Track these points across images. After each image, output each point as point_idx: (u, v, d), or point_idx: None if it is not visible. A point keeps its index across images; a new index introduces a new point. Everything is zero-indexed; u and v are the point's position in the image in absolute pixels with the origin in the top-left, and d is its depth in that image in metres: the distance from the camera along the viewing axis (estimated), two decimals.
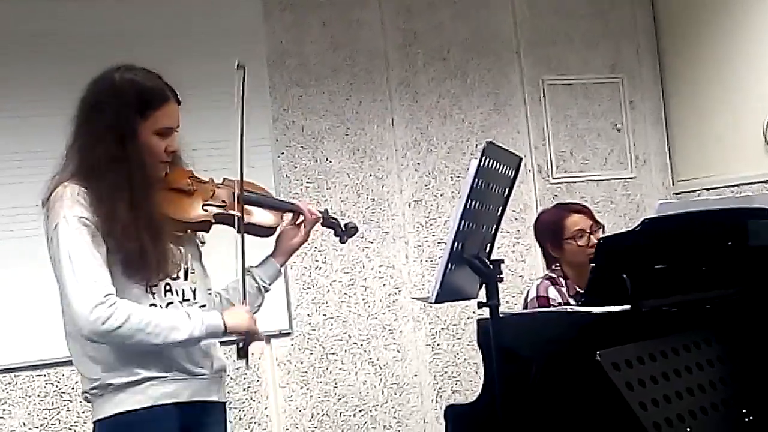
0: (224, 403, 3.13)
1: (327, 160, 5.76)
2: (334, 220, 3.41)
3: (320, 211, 3.36)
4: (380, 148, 5.89)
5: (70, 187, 2.83)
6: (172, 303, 2.93)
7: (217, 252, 3.14)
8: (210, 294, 3.15)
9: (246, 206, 3.10)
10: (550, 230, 4.37)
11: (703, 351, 3.03)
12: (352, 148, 5.83)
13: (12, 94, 5.06)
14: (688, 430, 2.78)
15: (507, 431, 2.90)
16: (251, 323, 2.99)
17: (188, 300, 2.98)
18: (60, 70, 5.00)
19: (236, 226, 3.05)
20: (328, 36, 5.81)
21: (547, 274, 4.36)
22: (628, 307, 3.04)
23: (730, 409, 2.96)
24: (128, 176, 2.84)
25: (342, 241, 3.48)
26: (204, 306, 3.03)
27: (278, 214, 3.25)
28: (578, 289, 4.22)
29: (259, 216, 3.18)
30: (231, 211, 3.05)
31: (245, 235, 3.06)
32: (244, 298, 3.07)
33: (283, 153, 5.64)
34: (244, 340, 2.99)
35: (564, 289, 4.25)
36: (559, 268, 4.34)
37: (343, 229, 3.43)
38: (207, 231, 3.09)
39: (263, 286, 3.24)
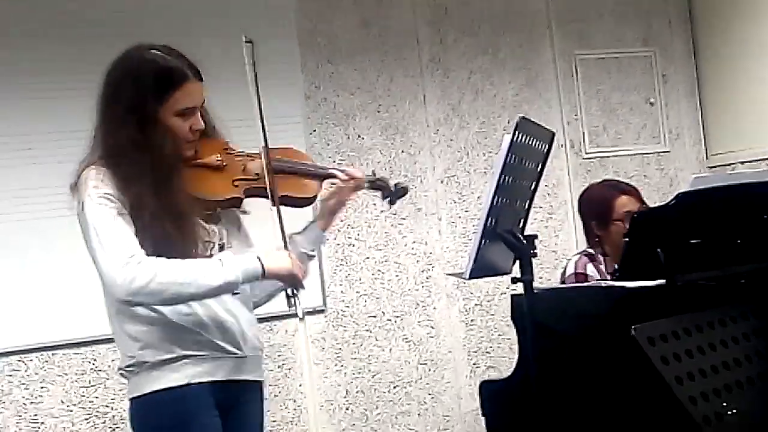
0: (261, 381, 3.13)
1: (359, 137, 5.77)
2: (381, 182, 3.30)
3: (367, 174, 3.28)
4: (412, 124, 5.89)
5: (95, 169, 2.85)
6: None
7: (261, 222, 3.11)
8: None
9: (281, 176, 3.04)
10: (597, 209, 4.28)
11: (738, 325, 3.02)
12: (384, 125, 5.82)
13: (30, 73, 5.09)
14: (724, 404, 2.77)
15: (541, 406, 2.90)
16: (294, 266, 2.91)
17: None
18: (81, 50, 5.03)
19: (270, 198, 3.00)
20: (358, 13, 5.80)
21: (585, 250, 4.30)
22: (663, 281, 3.04)
23: (767, 383, 2.95)
24: (149, 161, 2.83)
25: (391, 203, 3.32)
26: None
27: (317, 182, 3.16)
28: (617, 267, 4.18)
29: (295, 186, 3.10)
30: (263, 185, 2.99)
31: (283, 206, 3.00)
32: (285, 247, 2.98)
33: (315, 130, 5.64)
34: (293, 287, 2.92)
35: (602, 266, 4.19)
36: (599, 245, 4.27)
37: (392, 190, 3.30)
38: (238, 207, 3.05)
39: (305, 253, 3.19)
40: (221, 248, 3.00)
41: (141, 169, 2.82)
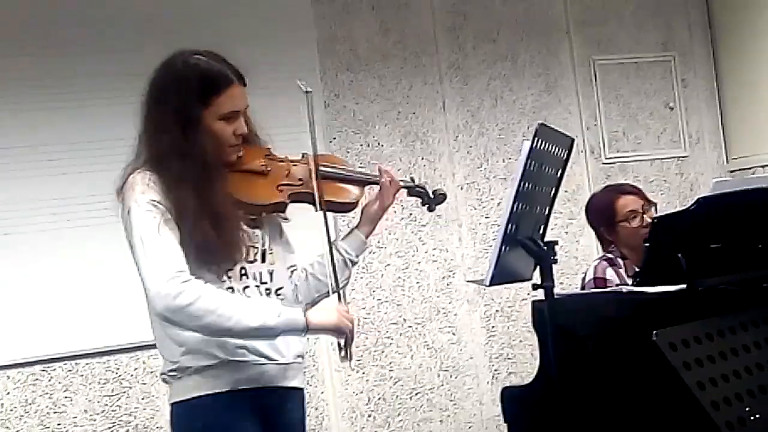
0: (303, 389, 3.11)
1: (379, 144, 5.78)
2: (420, 189, 3.30)
3: (406, 180, 3.28)
4: (432, 131, 5.89)
5: (141, 174, 2.84)
6: (248, 287, 2.92)
7: (302, 227, 3.10)
8: (293, 272, 3.13)
9: (325, 182, 3.03)
10: (602, 214, 4.36)
11: (760, 329, 3.01)
12: (404, 132, 5.83)
13: (63, 84, 5.12)
14: (747, 409, 2.77)
15: (564, 412, 2.90)
16: (341, 320, 2.88)
17: (265, 283, 2.97)
18: (110, 59, 5.07)
19: (315, 204, 2.99)
20: (377, 20, 5.81)
21: (605, 255, 4.33)
22: (684, 286, 3.03)
23: None
24: (191, 165, 2.83)
25: (430, 209, 3.33)
26: (282, 288, 3.01)
27: (360, 188, 3.15)
28: (636, 269, 4.20)
29: (339, 191, 3.09)
30: (307, 190, 2.99)
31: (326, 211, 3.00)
32: (338, 288, 3.01)
33: (335, 138, 5.66)
34: (345, 339, 2.90)
35: (622, 270, 4.22)
36: (616, 249, 4.31)
37: (431, 196, 3.30)
38: (283, 212, 3.04)
39: (349, 259, 3.17)
40: (263, 254, 2.99)
41: (183, 174, 2.81)
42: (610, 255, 4.31)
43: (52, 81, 5.08)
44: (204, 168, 2.85)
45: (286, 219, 3.11)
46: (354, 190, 3.14)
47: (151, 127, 2.90)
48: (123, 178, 2.89)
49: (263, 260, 2.99)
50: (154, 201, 2.80)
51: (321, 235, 2.98)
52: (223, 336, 2.82)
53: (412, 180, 3.33)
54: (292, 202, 3.02)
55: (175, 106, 2.86)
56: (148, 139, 2.90)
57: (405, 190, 3.29)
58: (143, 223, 2.78)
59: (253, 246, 2.98)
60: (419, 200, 3.33)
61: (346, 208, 3.15)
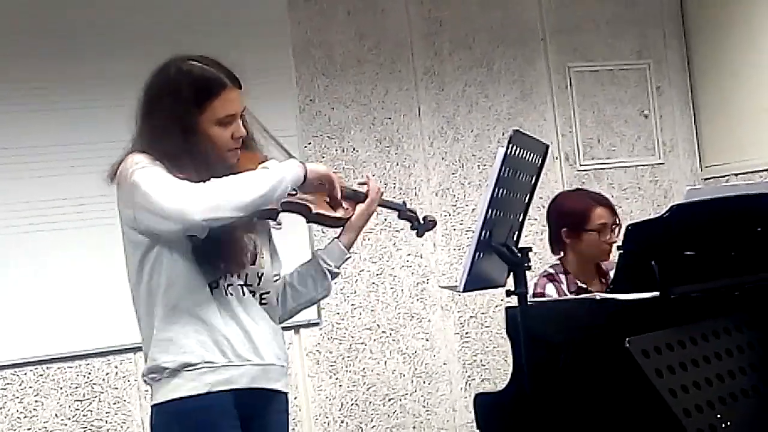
0: (286, 393, 3.08)
1: (354, 150, 5.77)
2: (411, 213, 3.31)
3: (398, 203, 3.32)
4: (407, 137, 5.89)
5: (138, 155, 2.83)
6: (231, 284, 2.91)
7: (286, 236, 3.12)
8: (277, 280, 3.11)
9: (318, 195, 3.04)
10: (572, 217, 4.24)
11: (733, 337, 3.02)
12: (379, 138, 5.83)
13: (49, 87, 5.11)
14: (719, 416, 2.78)
15: (537, 418, 2.90)
16: (329, 170, 2.99)
17: (251, 285, 2.96)
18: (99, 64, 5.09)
19: (304, 214, 3.02)
20: (353, 25, 5.81)
21: (546, 270, 4.27)
22: (657, 294, 3.04)
23: (761, 395, 2.95)
24: (204, 164, 2.82)
25: (419, 235, 3.35)
26: (268, 293, 3.01)
27: (351, 204, 3.15)
28: (579, 284, 4.16)
29: (330, 206, 3.10)
30: (298, 200, 3.00)
31: (313, 224, 3.06)
32: None
33: (309, 143, 5.65)
34: (334, 192, 3.00)
35: (563, 285, 4.16)
36: (559, 264, 4.27)
37: (421, 222, 3.31)
38: (274, 219, 3.03)
39: (327, 269, 3.17)
40: (254, 258, 2.98)
41: (198, 170, 2.80)
42: (551, 270, 4.25)
43: (50, 83, 5.09)
44: (206, 171, 2.82)
45: (278, 225, 3.09)
46: (345, 206, 3.14)
47: (148, 133, 2.89)
48: (116, 165, 2.87)
49: (253, 263, 2.98)
50: (158, 164, 2.79)
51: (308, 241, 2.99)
52: (256, 207, 2.81)
53: (404, 204, 3.34)
54: (283, 210, 3.00)
55: (170, 112, 2.85)
56: (146, 144, 2.87)
57: (396, 212, 3.32)
58: (147, 172, 2.76)
59: (248, 249, 2.96)
60: (408, 224, 3.34)
61: (334, 223, 3.14)
